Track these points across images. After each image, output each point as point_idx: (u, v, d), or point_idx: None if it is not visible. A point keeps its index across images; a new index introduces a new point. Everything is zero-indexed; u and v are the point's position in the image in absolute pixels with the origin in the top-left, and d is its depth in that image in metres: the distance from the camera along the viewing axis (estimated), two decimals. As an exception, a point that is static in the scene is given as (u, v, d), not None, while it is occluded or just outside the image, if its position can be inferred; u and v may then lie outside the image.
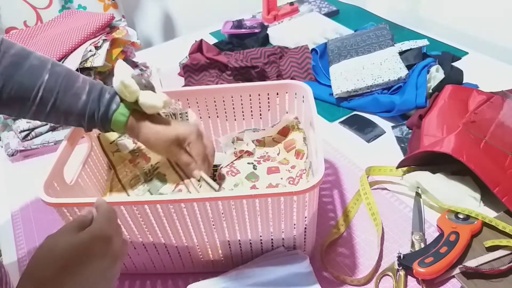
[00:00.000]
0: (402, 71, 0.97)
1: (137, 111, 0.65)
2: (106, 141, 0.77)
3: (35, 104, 0.61)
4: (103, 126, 0.65)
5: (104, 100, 0.63)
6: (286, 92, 0.75)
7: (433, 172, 0.76)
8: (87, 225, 0.47)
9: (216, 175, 0.78)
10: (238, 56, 1.14)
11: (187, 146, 0.68)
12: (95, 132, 0.75)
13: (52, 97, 0.61)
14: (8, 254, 0.75)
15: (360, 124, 0.95)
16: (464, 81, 0.96)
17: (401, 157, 0.83)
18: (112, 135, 0.77)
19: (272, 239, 0.63)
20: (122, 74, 0.63)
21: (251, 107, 0.77)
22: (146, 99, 0.64)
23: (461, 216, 0.68)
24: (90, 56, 0.96)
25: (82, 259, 0.43)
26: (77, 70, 0.93)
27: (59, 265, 0.42)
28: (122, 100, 0.65)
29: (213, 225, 0.59)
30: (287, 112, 0.77)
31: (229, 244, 0.63)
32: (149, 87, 0.65)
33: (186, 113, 0.78)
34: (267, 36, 1.28)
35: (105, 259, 0.45)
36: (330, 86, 1.02)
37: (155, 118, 0.67)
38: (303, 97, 0.73)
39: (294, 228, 0.60)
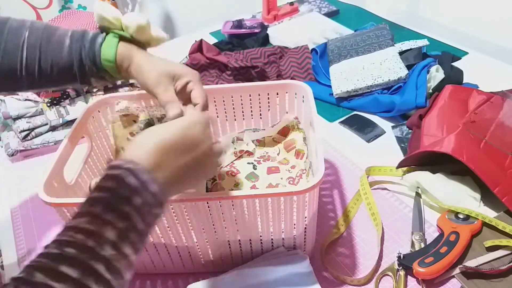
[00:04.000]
0: (402, 71, 0.97)
1: (126, 41, 0.61)
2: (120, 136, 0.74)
3: (23, 66, 0.59)
4: (94, 65, 0.60)
5: (88, 37, 0.60)
6: (286, 92, 0.75)
7: (433, 172, 0.76)
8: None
9: (216, 175, 0.78)
10: (238, 56, 1.14)
11: (181, 89, 0.62)
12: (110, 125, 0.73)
13: (37, 52, 0.59)
14: (8, 254, 0.75)
15: (360, 124, 0.95)
16: (464, 81, 0.96)
17: (401, 157, 0.83)
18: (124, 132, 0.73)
19: (272, 239, 0.63)
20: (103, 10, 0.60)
21: (251, 107, 0.77)
22: (129, 19, 0.59)
23: (461, 216, 0.68)
24: (90, 56, 0.96)
25: (188, 142, 0.46)
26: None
27: (169, 149, 0.45)
28: (107, 33, 0.61)
29: (213, 225, 0.59)
30: (287, 112, 0.77)
31: (229, 244, 0.63)
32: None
33: None
34: (267, 36, 1.28)
35: (207, 142, 0.48)
36: (330, 86, 1.02)
37: (149, 53, 0.63)
38: (303, 97, 0.73)
39: (294, 228, 0.60)
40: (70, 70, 0.60)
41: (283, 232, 0.61)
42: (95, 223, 0.38)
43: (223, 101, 0.77)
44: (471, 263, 0.63)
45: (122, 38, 0.61)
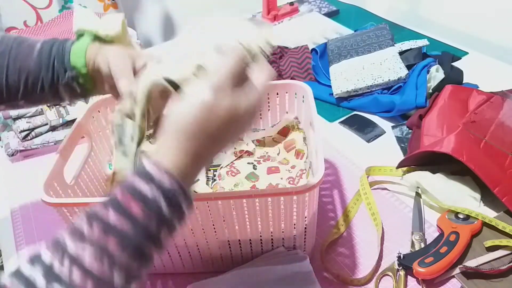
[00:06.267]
0: (402, 71, 0.97)
1: (98, 40, 0.58)
2: None
3: None
4: (63, 64, 0.56)
5: (58, 40, 0.58)
6: (286, 92, 0.75)
7: (433, 172, 0.76)
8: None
9: (216, 175, 0.78)
10: (238, 56, 1.14)
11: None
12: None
13: (6, 59, 0.56)
14: (8, 254, 0.75)
15: (360, 124, 0.95)
16: (464, 81, 0.96)
17: (401, 157, 0.83)
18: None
19: (272, 239, 0.63)
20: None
21: (251, 107, 0.77)
22: (107, 28, 0.58)
23: (461, 216, 0.68)
24: (90, 56, 0.96)
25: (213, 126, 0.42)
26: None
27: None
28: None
29: (213, 225, 0.59)
30: (287, 112, 0.77)
31: (229, 244, 0.63)
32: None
33: None
34: (267, 36, 1.28)
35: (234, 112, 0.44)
36: (330, 86, 1.02)
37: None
38: (303, 97, 0.73)
39: (294, 228, 0.60)
40: (38, 75, 0.57)
41: (283, 232, 0.61)
42: (102, 261, 0.33)
43: (223, 101, 0.76)
44: (471, 263, 0.63)
45: (96, 38, 0.58)
